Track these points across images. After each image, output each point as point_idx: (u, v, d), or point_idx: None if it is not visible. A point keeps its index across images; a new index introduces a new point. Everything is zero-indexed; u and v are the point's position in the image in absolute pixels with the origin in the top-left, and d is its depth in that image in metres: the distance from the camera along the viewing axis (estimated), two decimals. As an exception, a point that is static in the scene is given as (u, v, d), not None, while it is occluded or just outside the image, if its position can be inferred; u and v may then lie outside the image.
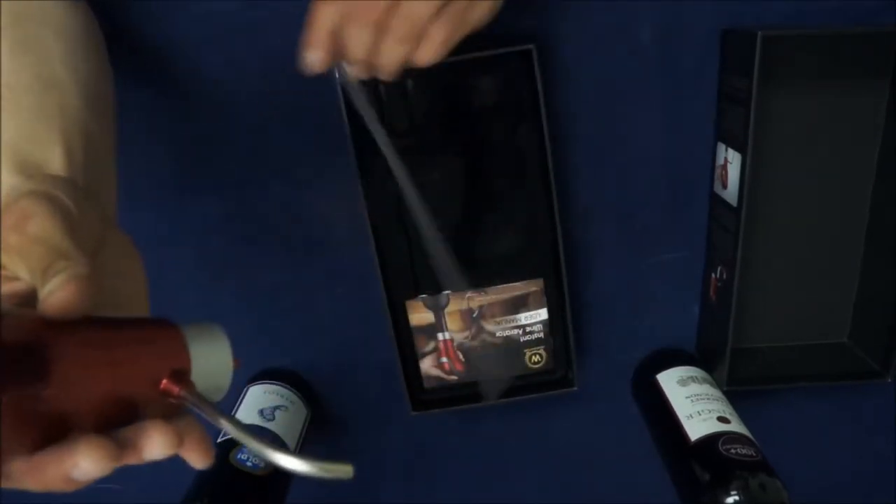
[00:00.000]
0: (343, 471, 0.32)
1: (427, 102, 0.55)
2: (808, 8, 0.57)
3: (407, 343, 0.63)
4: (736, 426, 0.58)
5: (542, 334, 0.64)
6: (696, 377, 0.64)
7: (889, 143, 0.60)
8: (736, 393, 0.64)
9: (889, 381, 0.62)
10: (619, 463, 0.74)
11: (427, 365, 0.64)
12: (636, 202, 0.64)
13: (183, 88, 0.58)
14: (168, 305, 0.68)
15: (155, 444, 0.31)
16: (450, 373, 0.65)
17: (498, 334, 0.64)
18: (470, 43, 0.55)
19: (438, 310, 0.63)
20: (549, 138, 0.56)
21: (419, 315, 0.63)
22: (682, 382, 0.64)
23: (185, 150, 0.61)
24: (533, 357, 0.64)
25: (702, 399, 0.61)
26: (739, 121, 0.55)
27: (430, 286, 0.62)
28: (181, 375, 0.32)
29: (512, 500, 0.75)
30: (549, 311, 0.63)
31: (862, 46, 0.58)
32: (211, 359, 0.35)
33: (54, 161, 0.37)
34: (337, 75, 0.53)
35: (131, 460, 0.31)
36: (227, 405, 0.63)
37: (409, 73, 0.53)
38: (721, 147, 0.60)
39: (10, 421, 0.26)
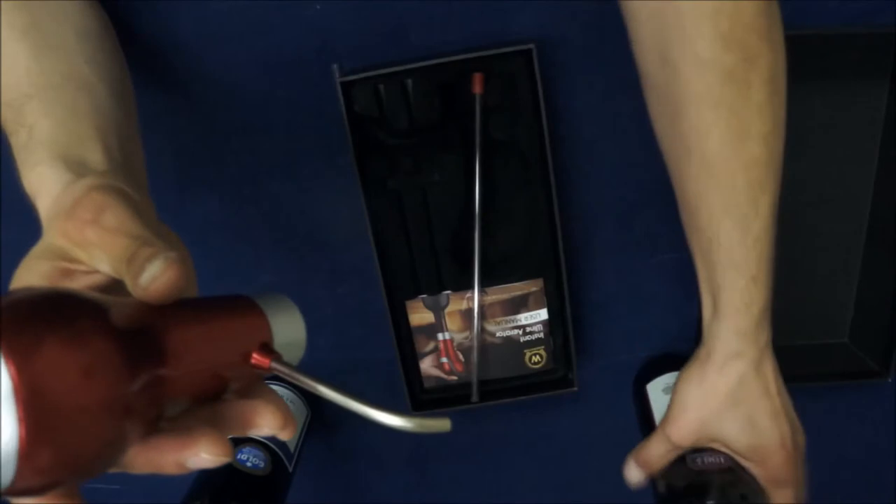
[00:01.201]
0: (441, 426, 0.33)
1: (427, 102, 0.55)
2: (808, 8, 0.57)
3: (407, 343, 0.63)
4: None
5: (542, 334, 0.64)
6: None
7: (889, 143, 0.60)
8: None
9: (889, 381, 0.62)
10: (619, 463, 0.74)
11: (427, 365, 0.64)
12: (636, 202, 0.64)
13: (183, 88, 0.58)
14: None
15: (267, 421, 0.32)
16: (450, 373, 0.65)
17: (498, 334, 0.64)
18: (470, 43, 0.55)
19: (438, 310, 0.63)
20: (549, 138, 0.56)
21: (419, 315, 0.63)
22: (667, 391, 0.63)
23: (185, 150, 0.61)
24: (533, 357, 0.64)
25: None
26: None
27: (430, 286, 0.62)
28: (268, 347, 0.33)
29: (512, 500, 0.75)
30: (549, 311, 0.63)
31: (862, 46, 0.58)
32: (288, 328, 0.35)
33: (96, 159, 0.37)
34: (337, 75, 0.54)
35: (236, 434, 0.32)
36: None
37: (408, 73, 0.54)
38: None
39: (141, 406, 0.26)
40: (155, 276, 0.29)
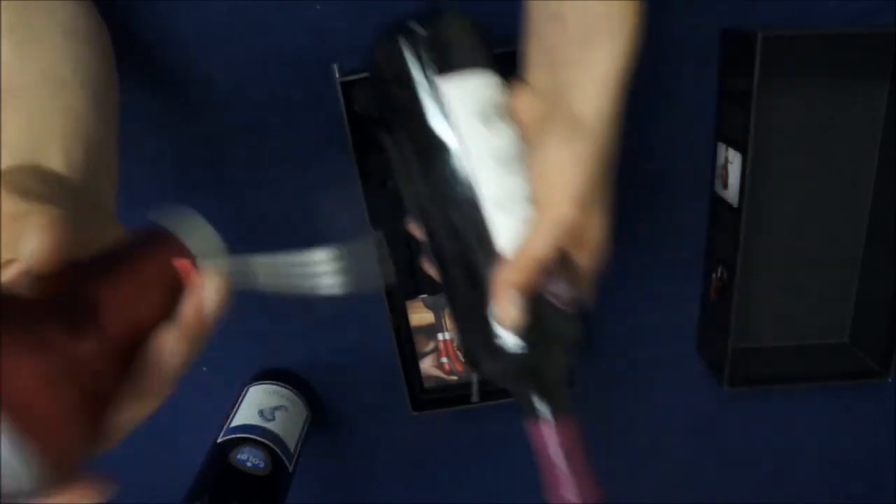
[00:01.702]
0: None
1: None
2: (808, 8, 0.57)
3: (407, 343, 0.63)
4: None
5: (542, 334, 0.64)
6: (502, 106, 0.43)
7: (889, 143, 0.60)
8: (735, 393, 0.64)
9: (889, 381, 0.62)
10: (618, 463, 0.74)
11: (427, 365, 0.64)
12: (636, 202, 0.64)
13: (183, 88, 0.58)
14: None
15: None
16: (450, 373, 0.65)
17: (498, 334, 0.63)
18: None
19: (438, 310, 0.63)
20: (550, 138, 0.56)
21: (419, 315, 0.63)
22: (484, 117, 0.42)
23: (185, 150, 0.61)
24: (533, 357, 0.64)
25: (513, 165, 0.42)
26: (739, 121, 0.55)
27: (431, 286, 0.62)
28: (184, 252, 0.35)
29: (512, 500, 0.75)
30: (549, 311, 0.63)
31: (862, 46, 0.58)
32: (200, 239, 0.37)
33: (52, 161, 0.38)
34: (337, 75, 0.54)
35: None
36: (227, 405, 0.64)
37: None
38: (721, 147, 0.60)
39: (97, 366, 0.28)
40: (30, 247, 0.28)
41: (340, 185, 0.59)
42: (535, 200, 0.41)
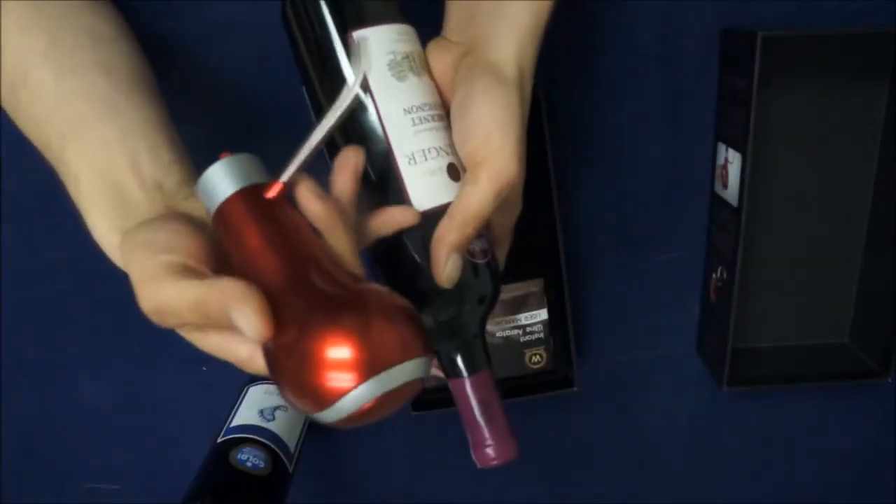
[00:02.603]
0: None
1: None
2: (807, 8, 0.57)
3: (407, 343, 0.63)
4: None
5: (542, 334, 0.64)
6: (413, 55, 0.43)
7: (889, 143, 0.61)
8: (735, 393, 0.64)
9: (889, 381, 0.62)
10: (618, 463, 0.74)
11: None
12: (636, 202, 0.64)
13: (183, 88, 0.58)
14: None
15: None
16: (450, 373, 0.65)
17: (498, 334, 0.64)
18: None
19: (438, 310, 0.63)
20: (550, 138, 0.56)
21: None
22: (397, 69, 0.42)
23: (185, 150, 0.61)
24: (533, 357, 0.64)
25: (427, 119, 0.42)
26: (739, 121, 0.55)
27: (430, 286, 0.62)
28: (266, 186, 0.37)
29: (511, 500, 0.75)
30: (549, 311, 0.63)
31: (862, 46, 0.58)
32: (252, 167, 0.39)
33: (134, 197, 0.39)
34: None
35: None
36: (227, 405, 0.63)
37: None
38: (721, 147, 0.60)
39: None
40: (251, 326, 0.31)
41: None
42: (470, 154, 0.40)
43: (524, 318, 0.63)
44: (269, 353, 0.33)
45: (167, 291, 0.33)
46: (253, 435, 0.58)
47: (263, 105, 0.59)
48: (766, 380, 0.65)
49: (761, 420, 0.72)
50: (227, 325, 0.32)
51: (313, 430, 0.67)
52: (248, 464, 0.55)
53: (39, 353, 0.67)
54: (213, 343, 0.36)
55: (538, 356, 0.64)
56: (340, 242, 0.36)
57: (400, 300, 0.34)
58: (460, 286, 0.41)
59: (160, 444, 0.71)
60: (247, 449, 0.56)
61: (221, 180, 0.37)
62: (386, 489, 0.75)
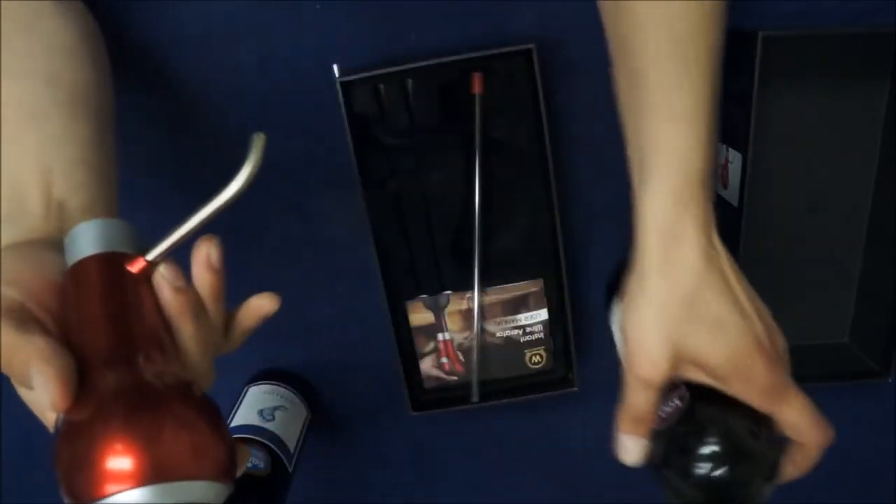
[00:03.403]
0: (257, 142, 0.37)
1: (427, 102, 0.55)
2: (808, 8, 0.57)
3: (407, 343, 0.63)
4: None
5: (542, 334, 0.64)
6: None
7: (889, 143, 0.60)
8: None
9: (889, 381, 0.62)
10: (618, 463, 0.74)
11: (427, 365, 0.64)
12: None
13: (183, 89, 0.58)
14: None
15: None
16: (450, 373, 0.65)
17: (498, 334, 0.64)
18: (470, 43, 0.55)
19: (438, 310, 0.63)
20: (550, 138, 0.56)
21: (419, 315, 0.63)
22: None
23: (185, 150, 0.61)
24: (533, 357, 0.64)
25: None
26: (739, 121, 0.55)
27: (431, 286, 0.62)
28: (127, 259, 0.35)
29: (512, 500, 0.75)
30: (549, 311, 0.63)
31: (862, 46, 0.58)
32: (122, 235, 0.36)
33: (33, 203, 0.38)
34: (337, 75, 0.54)
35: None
36: (227, 406, 0.63)
37: (408, 73, 0.54)
38: (721, 147, 0.60)
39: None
40: (47, 393, 0.29)
41: (340, 185, 0.59)
42: (624, 360, 0.42)
43: (524, 318, 0.63)
44: (60, 422, 0.31)
45: None
46: (252, 435, 0.58)
47: (263, 105, 0.59)
48: (766, 380, 0.65)
49: (761, 420, 0.72)
50: (27, 382, 0.30)
51: (313, 431, 0.67)
52: (248, 464, 0.55)
53: (39, 353, 0.67)
54: (21, 390, 0.34)
55: (538, 356, 0.64)
56: (187, 336, 0.35)
57: (216, 417, 0.32)
58: (736, 454, 0.41)
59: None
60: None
61: (86, 238, 0.35)
62: (386, 489, 0.75)
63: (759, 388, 0.39)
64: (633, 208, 0.40)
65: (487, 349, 0.64)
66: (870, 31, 0.57)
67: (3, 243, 0.36)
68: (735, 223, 0.58)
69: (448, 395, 0.65)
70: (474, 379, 0.63)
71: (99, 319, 0.33)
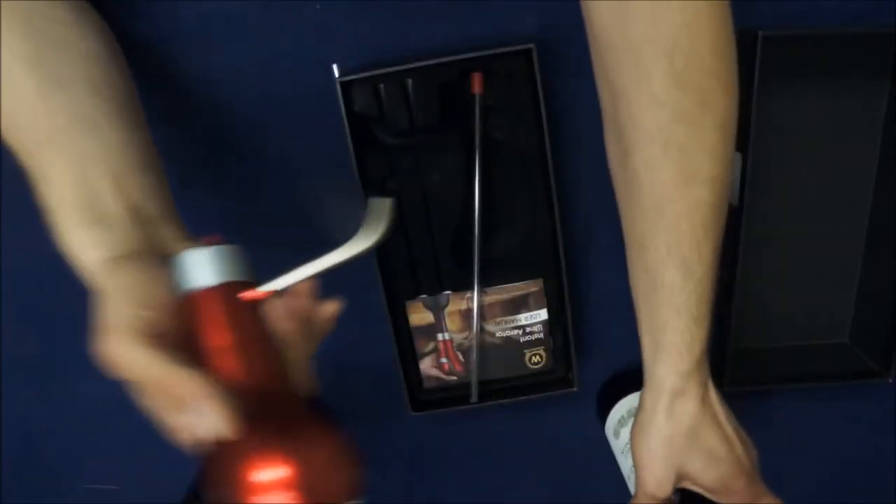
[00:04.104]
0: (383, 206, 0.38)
1: (427, 102, 0.55)
2: (807, 8, 0.57)
3: (407, 343, 0.63)
4: None
5: (542, 334, 0.64)
6: (634, 409, 0.61)
7: (889, 143, 0.60)
8: (736, 393, 0.63)
9: (889, 381, 0.62)
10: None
11: (427, 365, 0.64)
12: (636, 202, 0.64)
13: (183, 88, 0.58)
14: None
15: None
16: (449, 373, 0.65)
17: (498, 334, 0.64)
18: (470, 43, 0.55)
19: (438, 310, 0.63)
20: (550, 138, 0.56)
21: (419, 315, 0.63)
22: (622, 423, 0.63)
23: (185, 151, 0.61)
24: (533, 357, 0.64)
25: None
26: (739, 121, 0.55)
27: (430, 286, 0.62)
28: (243, 288, 0.38)
29: (512, 500, 0.75)
30: (549, 311, 0.63)
31: (862, 46, 0.58)
32: (236, 259, 0.39)
33: (115, 212, 0.38)
34: (336, 75, 0.54)
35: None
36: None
37: (408, 73, 0.54)
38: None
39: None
40: (217, 424, 0.34)
41: (340, 185, 0.59)
42: (634, 476, 0.52)
43: (524, 318, 0.63)
44: (211, 446, 0.34)
45: (134, 355, 0.34)
46: (253, 435, 0.58)
47: (263, 105, 0.59)
48: (766, 380, 0.65)
49: (761, 420, 0.72)
50: (178, 407, 0.34)
51: (313, 430, 0.67)
52: (248, 464, 0.55)
53: (39, 353, 0.67)
54: (156, 407, 0.37)
55: (538, 356, 0.64)
56: (300, 354, 0.40)
57: (344, 439, 0.37)
58: None
59: (160, 444, 0.71)
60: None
61: (204, 267, 0.37)
62: (386, 489, 0.75)
63: (740, 498, 0.48)
64: (645, 367, 0.49)
65: (487, 349, 0.64)
66: (870, 31, 0.57)
67: (103, 254, 0.37)
68: (735, 223, 0.58)
69: (448, 395, 0.65)
70: (474, 379, 0.63)
71: (227, 350, 0.36)
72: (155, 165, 0.42)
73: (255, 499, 0.32)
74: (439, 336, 0.63)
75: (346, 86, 0.54)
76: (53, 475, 0.72)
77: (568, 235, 0.62)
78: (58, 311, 0.66)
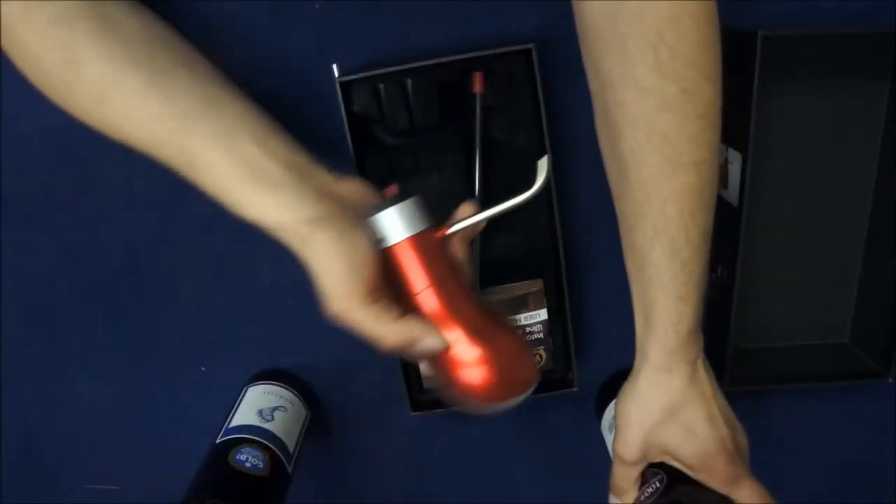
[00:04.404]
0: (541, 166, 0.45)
1: (427, 102, 0.55)
2: (807, 8, 0.57)
3: (407, 343, 0.63)
4: None
5: (542, 334, 0.64)
6: None
7: (889, 143, 0.60)
8: (736, 393, 0.63)
9: (889, 381, 0.62)
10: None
11: (427, 365, 0.64)
12: (636, 202, 0.64)
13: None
14: (168, 304, 0.68)
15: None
16: (450, 373, 0.64)
17: (498, 334, 0.63)
18: (470, 43, 0.55)
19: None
20: (550, 138, 0.56)
21: (419, 315, 0.63)
22: (611, 429, 0.63)
23: (185, 150, 0.61)
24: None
25: None
26: (739, 121, 0.55)
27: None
28: (436, 228, 0.45)
29: (512, 500, 0.75)
30: (549, 312, 0.63)
31: (862, 46, 0.58)
32: (423, 207, 0.45)
33: (274, 171, 0.41)
34: (336, 75, 0.54)
35: None
36: (226, 406, 0.63)
37: (408, 73, 0.54)
38: (721, 147, 0.60)
39: None
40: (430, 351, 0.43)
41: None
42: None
43: (524, 318, 0.63)
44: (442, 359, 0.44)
45: (363, 315, 0.41)
46: (252, 435, 0.58)
47: (263, 105, 0.58)
48: (766, 380, 0.65)
49: (762, 420, 0.72)
50: (411, 354, 0.43)
51: (313, 431, 0.67)
52: (248, 464, 0.55)
53: (39, 353, 0.67)
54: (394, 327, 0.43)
55: (538, 356, 0.64)
56: (469, 274, 0.47)
57: (522, 340, 0.49)
58: None
59: (160, 444, 0.71)
60: (246, 449, 0.56)
61: (396, 223, 0.43)
62: (386, 489, 0.75)
63: (719, 476, 0.49)
64: (636, 341, 0.50)
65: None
66: (870, 31, 0.57)
67: (291, 217, 0.40)
68: (735, 223, 0.58)
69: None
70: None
71: (429, 287, 0.43)
72: (271, 119, 0.44)
73: (460, 372, 0.43)
74: (439, 336, 0.63)
75: (346, 86, 0.54)
76: (53, 475, 0.72)
77: (568, 235, 0.62)
78: (58, 311, 0.66)
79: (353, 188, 0.45)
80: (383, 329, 0.42)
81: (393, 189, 0.46)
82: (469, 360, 0.43)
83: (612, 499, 0.54)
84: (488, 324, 0.44)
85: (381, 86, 0.54)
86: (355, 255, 0.41)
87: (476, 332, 0.43)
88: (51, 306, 0.66)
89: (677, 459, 0.50)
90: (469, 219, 0.45)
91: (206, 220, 0.63)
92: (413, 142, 0.57)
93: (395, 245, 0.43)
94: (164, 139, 0.40)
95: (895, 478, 0.74)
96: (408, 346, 0.42)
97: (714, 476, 0.49)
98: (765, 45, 0.52)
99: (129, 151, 0.63)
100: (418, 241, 0.43)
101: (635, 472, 0.52)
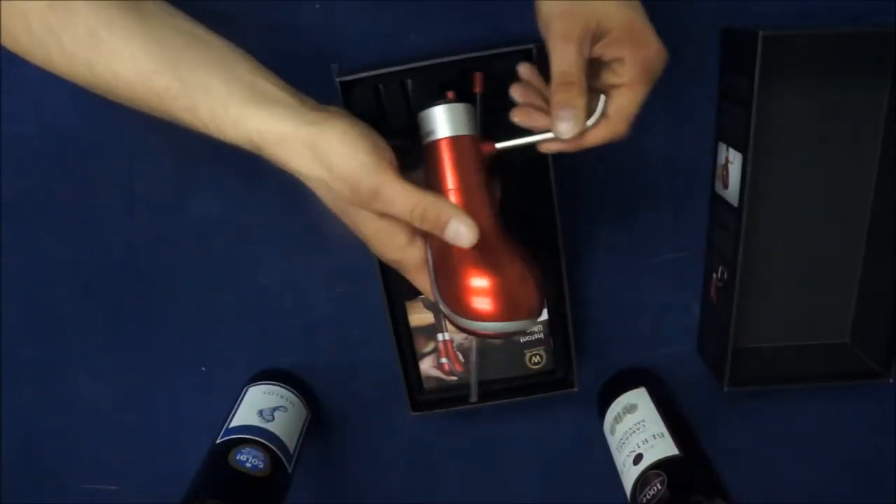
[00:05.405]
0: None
1: (427, 102, 0.55)
2: (808, 8, 0.57)
3: (407, 343, 0.63)
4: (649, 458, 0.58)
5: (542, 335, 0.64)
6: (629, 406, 0.64)
7: (889, 143, 0.60)
8: (736, 393, 0.63)
9: (889, 381, 0.62)
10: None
11: (427, 365, 0.64)
12: (636, 202, 0.64)
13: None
14: (168, 304, 0.68)
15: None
16: (449, 373, 0.65)
17: (498, 334, 0.63)
18: (470, 43, 0.55)
19: (438, 310, 0.63)
20: (549, 138, 0.56)
21: (419, 315, 0.63)
22: (618, 419, 0.64)
23: (185, 150, 0.61)
24: (533, 357, 0.64)
25: (627, 439, 0.62)
26: (740, 121, 0.55)
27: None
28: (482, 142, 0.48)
29: (512, 500, 0.75)
30: (549, 312, 0.63)
31: (862, 46, 0.58)
32: (466, 120, 0.47)
33: (276, 93, 0.42)
34: (336, 75, 0.54)
35: None
36: (226, 406, 0.64)
37: (408, 73, 0.54)
38: (722, 147, 0.60)
39: None
40: (457, 235, 0.42)
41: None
42: (543, 31, 0.48)
43: (524, 318, 0.63)
44: (440, 255, 0.44)
45: (392, 187, 0.41)
46: (252, 435, 0.58)
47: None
48: (766, 380, 0.65)
49: (762, 420, 0.72)
50: (427, 229, 0.43)
51: (313, 431, 0.67)
52: (248, 464, 0.55)
53: (39, 353, 0.67)
54: (380, 225, 0.44)
55: (538, 356, 0.64)
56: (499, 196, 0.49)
57: (534, 268, 0.45)
58: None
59: (160, 444, 0.71)
60: (246, 449, 0.56)
61: (447, 120, 0.46)
62: (386, 489, 0.75)
63: (644, 61, 0.46)
64: None
65: (487, 349, 0.64)
66: (870, 31, 0.57)
67: (297, 123, 0.41)
68: (735, 223, 0.58)
69: (447, 395, 0.65)
70: (474, 379, 0.63)
71: (458, 190, 0.45)
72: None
73: (468, 298, 0.43)
74: (439, 336, 0.63)
75: (346, 86, 0.53)
76: (53, 475, 0.72)
77: (568, 235, 0.62)
78: (58, 311, 0.66)
79: (341, 111, 0.44)
80: (417, 199, 0.41)
81: (450, 94, 0.47)
82: (478, 270, 0.43)
83: (561, 105, 0.45)
84: (507, 241, 0.46)
85: (382, 86, 0.54)
86: (372, 133, 0.42)
87: (491, 246, 0.44)
88: (51, 306, 0.66)
89: (609, 33, 0.45)
90: (519, 139, 0.47)
91: (206, 220, 0.63)
92: (413, 142, 0.57)
93: (439, 139, 0.45)
94: (160, 69, 0.40)
95: (895, 478, 0.74)
96: (438, 224, 0.42)
97: (638, 52, 0.45)
98: (765, 45, 0.52)
99: (130, 151, 0.64)
100: (461, 142, 0.45)
101: (582, 59, 0.45)
